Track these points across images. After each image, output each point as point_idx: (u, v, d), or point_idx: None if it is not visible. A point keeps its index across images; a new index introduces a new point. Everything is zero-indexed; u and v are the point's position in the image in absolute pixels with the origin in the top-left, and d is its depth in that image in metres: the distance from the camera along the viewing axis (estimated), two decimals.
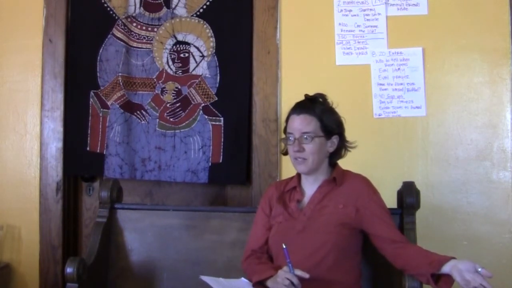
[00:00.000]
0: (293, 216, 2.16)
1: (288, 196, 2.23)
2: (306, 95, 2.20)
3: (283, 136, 2.25)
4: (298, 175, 2.24)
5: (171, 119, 2.95)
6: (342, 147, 2.20)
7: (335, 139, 2.16)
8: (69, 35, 3.07)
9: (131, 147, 2.97)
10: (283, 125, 2.28)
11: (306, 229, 2.10)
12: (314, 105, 2.14)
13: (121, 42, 2.99)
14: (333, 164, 2.22)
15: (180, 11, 2.98)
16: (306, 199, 2.19)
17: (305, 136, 2.10)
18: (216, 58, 2.93)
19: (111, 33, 3.01)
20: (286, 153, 2.25)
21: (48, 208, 3.03)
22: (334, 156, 2.20)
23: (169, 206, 2.75)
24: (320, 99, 2.18)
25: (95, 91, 3.03)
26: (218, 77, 2.92)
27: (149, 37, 3.00)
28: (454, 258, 1.88)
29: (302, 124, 2.11)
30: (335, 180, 2.16)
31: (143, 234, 2.57)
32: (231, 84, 2.90)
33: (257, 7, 2.88)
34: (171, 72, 2.97)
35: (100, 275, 2.50)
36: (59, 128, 3.05)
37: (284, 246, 1.95)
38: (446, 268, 1.86)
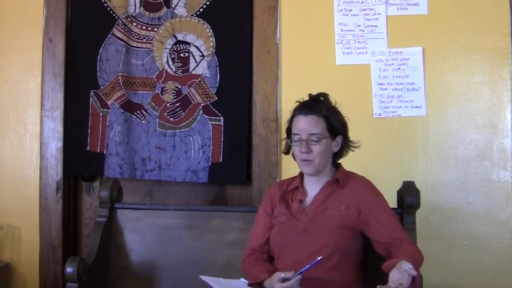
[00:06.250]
0: (295, 217, 2.16)
1: (291, 196, 2.22)
2: (310, 95, 2.19)
3: (284, 135, 2.24)
4: (301, 175, 2.24)
5: (171, 119, 2.95)
6: (345, 146, 2.20)
7: (339, 139, 2.16)
8: (69, 35, 3.06)
9: (131, 147, 2.97)
10: (283, 125, 2.27)
11: (308, 230, 2.10)
12: (320, 106, 2.13)
13: (121, 42, 2.99)
14: (336, 165, 2.22)
15: (180, 10, 2.98)
16: (309, 199, 2.18)
17: (312, 138, 2.09)
18: (216, 58, 2.93)
19: (111, 32, 3.01)
20: (287, 153, 2.25)
21: (48, 208, 3.03)
22: (336, 156, 2.20)
23: (169, 206, 2.76)
24: (323, 99, 2.17)
25: (95, 90, 3.03)
26: (218, 77, 2.92)
27: (149, 37, 3.00)
28: (407, 261, 1.82)
29: (310, 125, 2.10)
30: (338, 181, 2.16)
31: (143, 234, 2.58)
32: (231, 84, 2.90)
33: (257, 7, 2.88)
34: (171, 72, 2.97)
35: (100, 275, 2.50)
36: (59, 128, 3.05)
37: (318, 258, 1.92)
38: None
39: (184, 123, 2.94)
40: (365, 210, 2.10)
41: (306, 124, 2.10)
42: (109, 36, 3.01)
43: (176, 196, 3.08)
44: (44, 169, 3.05)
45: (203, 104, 2.92)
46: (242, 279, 2.19)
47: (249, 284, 2.13)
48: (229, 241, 2.50)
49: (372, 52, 2.79)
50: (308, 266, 1.93)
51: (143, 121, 2.98)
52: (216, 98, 2.91)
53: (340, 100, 2.21)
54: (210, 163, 2.90)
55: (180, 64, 2.97)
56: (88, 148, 3.02)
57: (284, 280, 1.95)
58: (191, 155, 2.92)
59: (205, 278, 2.13)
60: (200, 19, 2.95)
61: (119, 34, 2.99)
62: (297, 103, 2.19)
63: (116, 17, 3.00)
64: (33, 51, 3.07)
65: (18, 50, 3.09)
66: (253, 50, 2.88)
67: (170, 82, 2.97)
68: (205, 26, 2.95)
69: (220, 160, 2.89)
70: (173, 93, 2.96)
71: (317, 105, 2.14)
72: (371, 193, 2.15)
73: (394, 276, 1.79)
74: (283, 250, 2.14)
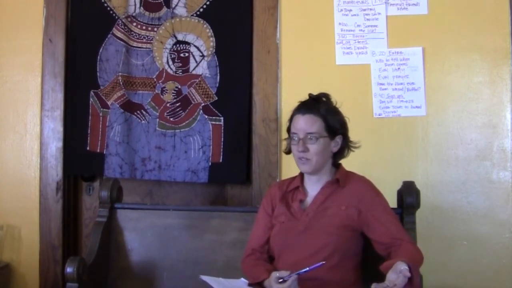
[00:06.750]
0: (296, 217, 2.16)
1: (291, 196, 2.22)
2: (310, 95, 2.19)
3: (285, 135, 2.24)
4: (301, 175, 2.24)
5: (171, 119, 2.95)
6: (346, 147, 2.20)
7: (338, 139, 2.16)
8: (69, 35, 3.06)
9: (131, 147, 2.97)
10: (283, 125, 2.28)
11: (308, 230, 2.10)
12: (319, 105, 2.13)
13: (121, 42, 2.99)
14: (336, 165, 2.22)
15: (180, 10, 2.98)
16: (309, 199, 2.18)
17: (309, 137, 2.10)
18: (216, 58, 2.93)
19: (111, 32, 3.01)
20: (288, 152, 2.25)
21: (48, 208, 3.03)
22: (337, 156, 2.20)
23: (169, 206, 2.76)
24: (324, 99, 2.17)
25: (95, 90, 3.03)
26: (218, 77, 2.92)
27: (149, 37, 3.00)
28: (403, 262, 1.82)
29: (307, 124, 2.10)
30: (338, 181, 2.16)
31: (143, 234, 2.58)
32: (231, 84, 2.90)
33: (257, 7, 2.88)
34: (171, 72, 2.97)
35: (100, 275, 2.50)
36: (59, 128, 3.05)
37: (321, 263, 1.93)
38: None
39: (184, 123, 2.94)
40: (366, 210, 2.10)
41: (303, 123, 2.11)
42: (109, 36, 3.01)
43: (176, 196, 3.08)
44: (44, 169, 3.05)
45: (203, 104, 2.92)
46: (242, 279, 2.19)
47: (249, 284, 2.14)
48: (229, 241, 2.50)
49: (372, 52, 2.79)
50: (308, 268, 1.93)
51: (143, 121, 2.98)
52: (216, 98, 2.91)
53: (340, 100, 2.21)
54: (210, 163, 2.90)
55: (180, 64, 2.97)
56: (88, 148, 3.02)
57: (280, 279, 1.95)
58: (191, 155, 2.92)
59: (205, 278, 2.13)
60: (200, 19, 2.95)
61: (119, 34, 2.99)
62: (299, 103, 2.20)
63: (116, 17, 3.00)
64: (33, 51, 3.07)
65: (18, 50, 3.08)
66: (253, 50, 2.88)
67: (170, 82, 2.97)
68: (205, 26, 2.95)
69: (220, 160, 2.89)
70: (173, 93, 2.96)
71: (316, 104, 2.14)
72: (371, 193, 2.15)
73: (391, 276, 1.80)
74: (283, 250, 2.14)
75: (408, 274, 1.78)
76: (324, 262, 1.94)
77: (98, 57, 3.02)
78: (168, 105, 2.96)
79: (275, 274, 1.98)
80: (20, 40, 3.08)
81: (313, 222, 2.11)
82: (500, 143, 2.68)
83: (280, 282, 1.96)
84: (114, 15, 3.01)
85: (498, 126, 2.68)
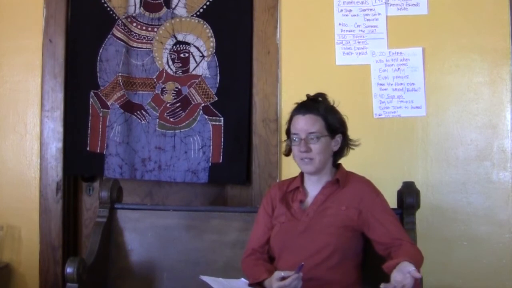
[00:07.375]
0: (296, 217, 2.16)
1: (291, 196, 2.22)
2: (308, 95, 2.20)
3: (284, 137, 2.25)
4: (301, 175, 2.24)
5: (171, 119, 2.95)
6: (345, 145, 2.21)
7: (338, 138, 2.17)
8: (69, 35, 3.06)
9: (131, 147, 2.97)
10: (283, 125, 2.27)
11: (308, 230, 2.10)
12: (318, 105, 2.15)
13: (121, 42, 2.99)
14: (336, 165, 2.22)
15: (180, 11, 2.98)
16: (309, 199, 2.18)
17: (311, 136, 2.10)
18: (216, 58, 2.93)
19: (111, 33, 3.01)
20: (288, 154, 2.25)
21: (48, 208, 3.03)
22: (337, 155, 2.20)
23: (169, 206, 2.76)
24: (321, 99, 2.18)
25: (95, 91, 3.03)
26: (218, 77, 2.92)
27: (149, 37, 3.00)
28: (409, 262, 1.82)
29: (307, 124, 2.11)
30: (338, 181, 2.16)
31: (143, 234, 2.58)
32: (231, 84, 2.90)
33: (257, 7, 2.88)
34: (171, 72, 2.97)
35: (100, 275, 2.50)
36: (59, 128, 3.05)
37: (302, 264, 1.94)
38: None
39: (184, 124, 2.94)
40: (366, 210, 2.10)
41: (304, 123, 2.11)
42: (109, 36, 3.01)
43: (176, 196, 3.08)
44: (44, 170, 3.05)
45: (203, 105, 2.92)
46: (242, 279, 2.19)
47: (249, 284, 2.14)
48: (229, 241, 2.50)
49: (372, 53, 2.79)
50: (296, 270, 1.93)
51: (143, 122, 2.97)
52: (216, 99, 2.91)
53: (340, 100, 2.21)
54: (210, 164, 2.90)
55: (180, 65, 2.97)
56: (88, 149, 3.02)
57: (283, 278, 1.96)
58: (191, 156, 2.92)
59: (205, 278, 2.13)
60: (200, 19, 2.95)
61: (119, 35, 2.99)
62: (296, 105, 2.20)
63: (116, 18, 3.00)
64: (33, 51, 3.07)
65: (18, 50, 3.09)
66: (253, 51, 2.88)
67: (170, 82, 2.97)
68: (205, 26, 2.95)
69: (220, 161, 2.89)
70: (173, 93, 2.96)
71: (315, 104, 2.15)
72: (371, 194, 2.15)
73: (397, 276, 1.79)
74: (283, 251, 2.14)
75: (419, 275, 1.77)
76: (302, 264, 1.94)
77: (98, 58, 3.02)
78: (168, 105, 2.96)
79: (280, 274, 1.98)
80: (20, 40, 3.08)
81: (313, 222, 2.11)
82: (500, 144, 2.68)
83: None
84: (114, 15, 3.01)
85: (498, 126, 2.68)
